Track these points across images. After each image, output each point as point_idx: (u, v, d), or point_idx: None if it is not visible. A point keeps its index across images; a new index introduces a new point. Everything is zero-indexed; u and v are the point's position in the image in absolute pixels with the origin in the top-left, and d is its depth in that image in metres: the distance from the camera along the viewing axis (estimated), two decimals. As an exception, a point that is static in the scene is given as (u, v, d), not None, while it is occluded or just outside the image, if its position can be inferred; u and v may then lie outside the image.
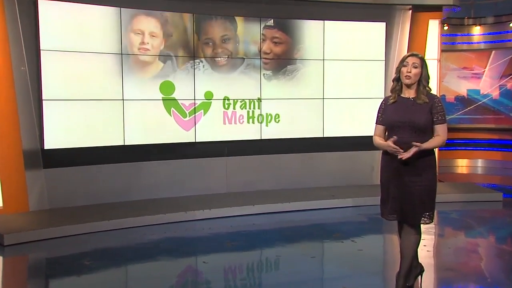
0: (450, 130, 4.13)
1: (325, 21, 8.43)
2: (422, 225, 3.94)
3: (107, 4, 7.17)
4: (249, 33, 8.11)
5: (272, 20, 8.20)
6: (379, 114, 4.03)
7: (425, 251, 5.34)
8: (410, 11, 8.72)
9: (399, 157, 3.74)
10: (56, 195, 6.93)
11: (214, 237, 6.28)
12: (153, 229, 6.35)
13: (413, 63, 3.83)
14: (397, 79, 3.94)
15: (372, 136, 4.06)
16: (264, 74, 8.20)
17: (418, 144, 3.71)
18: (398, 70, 3.92)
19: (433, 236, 6.19)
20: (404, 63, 3.87)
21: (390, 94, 4.02)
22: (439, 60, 9.35)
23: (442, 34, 10.00)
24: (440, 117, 3.84)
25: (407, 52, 6.88)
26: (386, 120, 3.96)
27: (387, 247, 6.13)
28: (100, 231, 6.16)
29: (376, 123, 4.05)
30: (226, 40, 8.01)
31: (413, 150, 3.71)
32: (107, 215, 6.50)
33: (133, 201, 7.27)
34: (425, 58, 4.01)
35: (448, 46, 11.71)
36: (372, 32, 8.66)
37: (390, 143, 3.78)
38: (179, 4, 7.68)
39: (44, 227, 6.00)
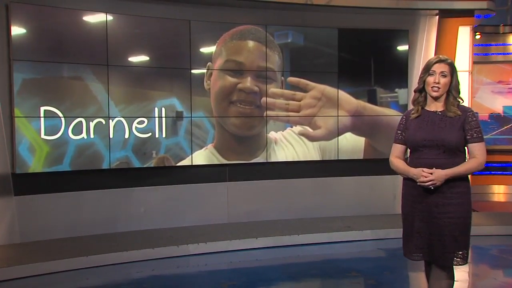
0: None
1: (339, 28, 8.36)
2: (454, 266, 3.64)
3: (92, 9, 7.11)
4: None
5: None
6: (399, 132, 3.79)
7: (459, 297, 5.19)
8: (437, 16, 8.70)
9: (420, 183, 3.53)
10: (28, 227, 6.81)
11: (209, 276, 6.15)
12: (139, 266, 6.21)
13: (441, 71, 3.57)
14: (420, 90, 3.69)
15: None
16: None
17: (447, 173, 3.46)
18: (423, 80, 3.66)
19: (467, 277, 5.95)
20: (430, 71, 3.61)
21: (411, 107, 3.78)
22: (471, 73, 9.24)
23: (474, 44, 9.96)
24: (475, 134, 3.56)
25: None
26: (408, 138, 3.70)
27: (412, 290, 5.92)
28: (78, 269, 6.01)
29: (394, 142, 3.82)
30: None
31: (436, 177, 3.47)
32: (86, 250, 6.40)
33: (118, 233, 7.19)
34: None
35: (480, 57, 11.61)
36: (393, 41, 8.62)
37: (416, 171, 3.53)
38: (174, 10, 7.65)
39: (13, 264, 5.85)
